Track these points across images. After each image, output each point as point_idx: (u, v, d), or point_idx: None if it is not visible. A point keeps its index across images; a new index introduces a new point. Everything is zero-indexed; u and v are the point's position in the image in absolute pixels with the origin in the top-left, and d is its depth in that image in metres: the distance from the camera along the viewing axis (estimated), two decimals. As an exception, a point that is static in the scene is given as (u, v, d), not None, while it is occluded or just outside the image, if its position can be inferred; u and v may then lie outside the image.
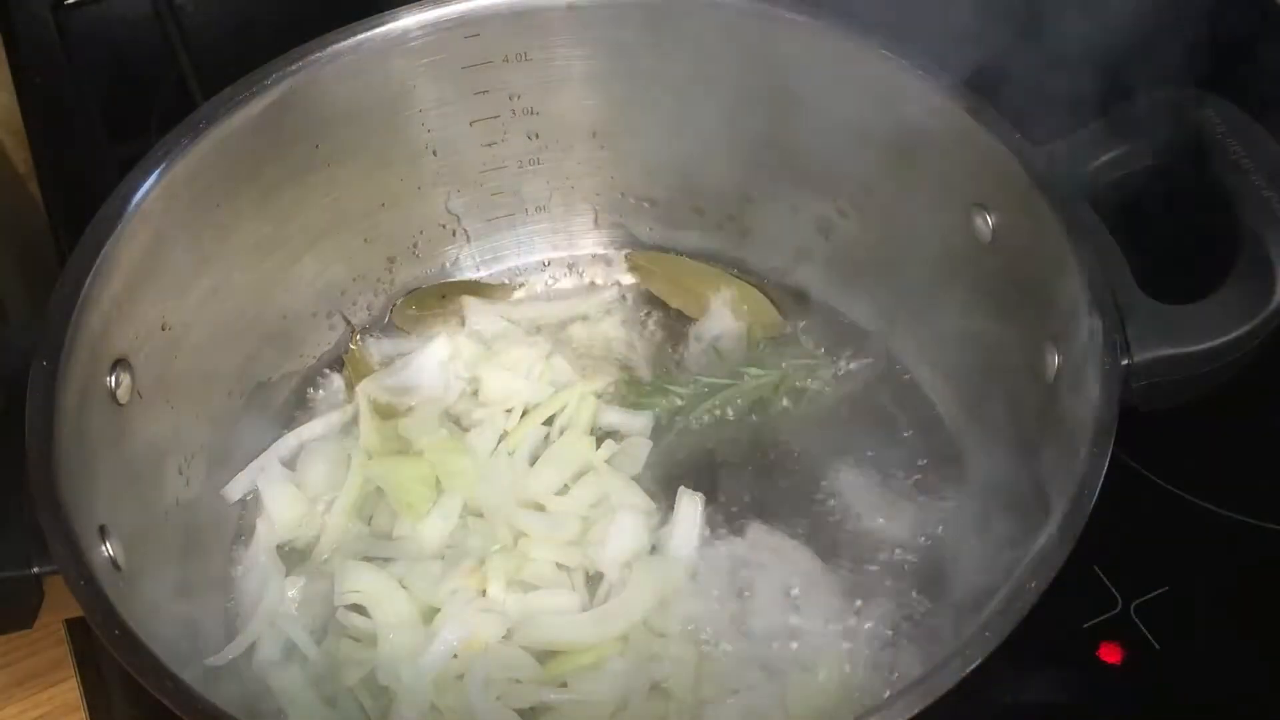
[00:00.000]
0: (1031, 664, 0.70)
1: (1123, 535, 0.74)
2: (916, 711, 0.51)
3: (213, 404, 0.77)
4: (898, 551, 0.75)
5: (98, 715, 0.73)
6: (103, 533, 0.61)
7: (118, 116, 0.99)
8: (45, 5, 1.05)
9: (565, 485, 0.78)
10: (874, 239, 0.80)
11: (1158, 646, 0.71)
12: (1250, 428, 0.79)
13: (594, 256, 0.92)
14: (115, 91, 1.01)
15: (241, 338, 0.79)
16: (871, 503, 0.77)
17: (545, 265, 0.92)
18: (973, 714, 0.68)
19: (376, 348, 0.87)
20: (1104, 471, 0.57)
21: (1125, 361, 0.61)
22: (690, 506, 0.75)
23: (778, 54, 0.76)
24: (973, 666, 0.52)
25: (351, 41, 0.76)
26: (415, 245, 0.88)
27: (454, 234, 0.89)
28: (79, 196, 0.91)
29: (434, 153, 0.83)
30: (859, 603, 0.72)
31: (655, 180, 0.87)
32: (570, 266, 0.92)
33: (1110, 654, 0.71)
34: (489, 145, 0.84)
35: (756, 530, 0.76)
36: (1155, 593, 0.73)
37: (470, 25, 0.78)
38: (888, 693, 0.68)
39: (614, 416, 0.82)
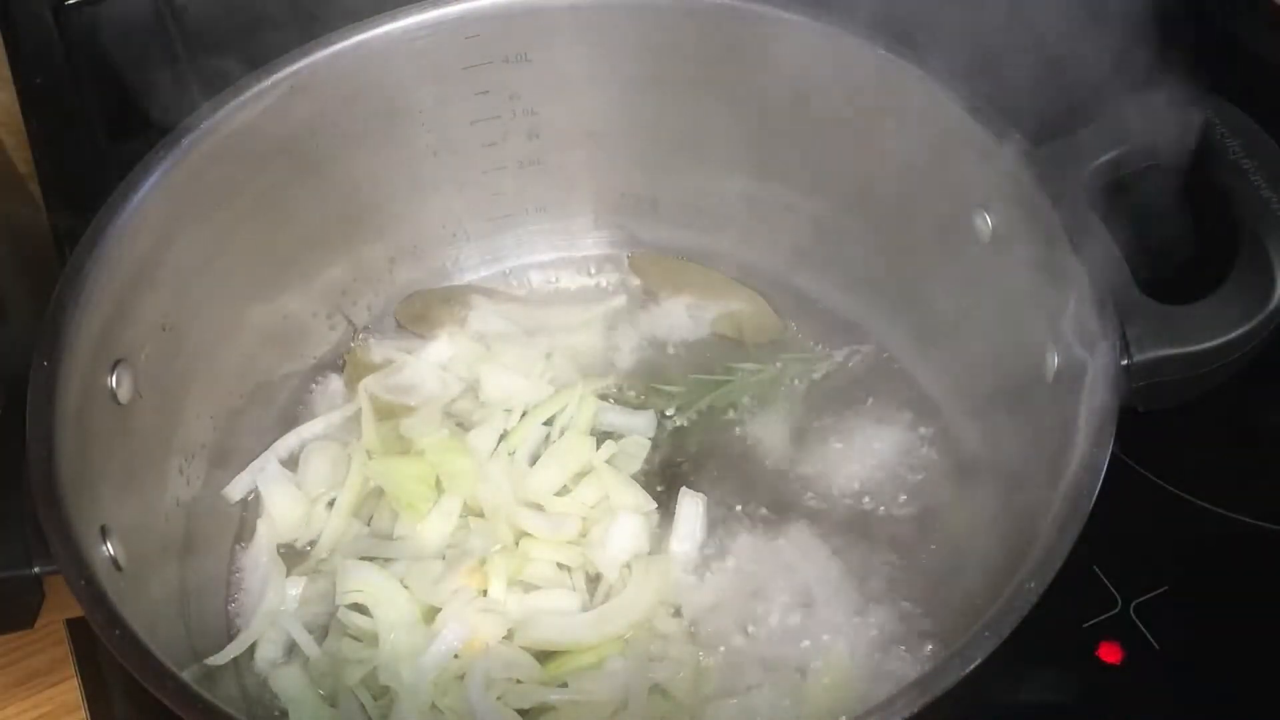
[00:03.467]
0: (1031, 664, 0.70)
1: (1123, 535, 0.75)
2: (916, 710, 0.51)
3: (213, 404, 0.77)
4: (899, 549, 0.75)
5: (98, 715, 0.72)
6: (104, 532, 0.61)
7: (118, 116, 0.99)
8: (45, 5, 1.05)
9: (565, 485, 0.78)
10: (873, 239, 0.80)
11: (1158, 646, 0.71)
12: (1250, 428, 0.79)
13: (594, 257, 0.91)
14: (115, 91, 1.01)
15: (242, 338, 0.79)
16: (870, 501, 0.77)
17: (545, 265, 0.91)
18: (973, 714, 0.68)
19: (377, 347, 0.87)
20: (1103, 471, 0.57)
21: (1125, 362, 0.61)
22: (691, 506, 0.75)
23: (777, 54, 0.76)
24: (973, 666, 0.52)
25: (352, 42, 0.76)
26: (415, 245, 0.88)
27: (454, 234, 0.89)
28: (79, 196, 0.91)
29: (434, 153, 0.83)
30: (862, 601, 0.72)
31: (655, 180, 0.87)
32: (570, 267, 0.92)
33: (1110, 654, 0.71)
34: (489, 145, 0.84)
35: (757, 528, 0.76)
36: (1155, 593, 0.73)
37: (470, 25, 0.78)
38: (889, 692, 0.68)
39: (614, 416, 0.82)
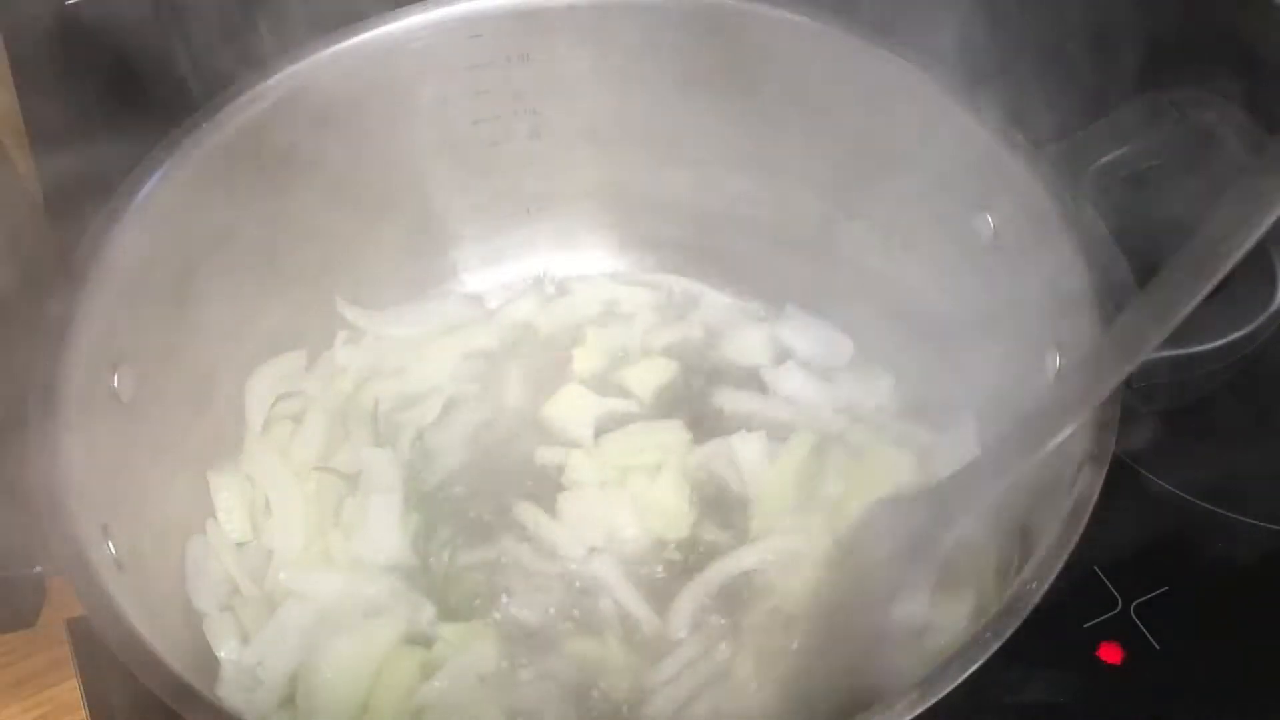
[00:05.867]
0: (1031, 664, 0.70)
1: (1123, 535, 0.75)
2: (918, 712, 0.51)
3: (216, 402, 0.77)
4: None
5: (98, 715, 0.72)
6: (106, 531, 0.61)
7: (118, 116, 0.99)
8: (45, 5, 1.05)
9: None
10: (875, 239, 0.80)
11: (1158, 646, 0.71)
12: (1250, 428, 0.79)
13: (596, 255, 0.91)
14: (115, 91, 1.01)
15: (244, 336, 0.79)
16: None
17: (547, 264, 0.91)
18: (973, 714, 0.69)
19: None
20: (1104, 473, 0.57)
21: None
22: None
23: (779, 54, 0.76)
24: (974, 668, 0.52)
25: (354, 41, 0.76)
26: (417, 245, 0.88)
27: (455, 234, 0.89)
28: (79, 197, 0.91)
29: (436, 153, 0.83)
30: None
31: (656, 179, 0.87)
32: (573, 265, 0.91)
33: (1110, 654, 0.71)
34: (492, 145, 0.84)
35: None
36: (1155, 593, 0.73)
37: (473, 25, 0.78)
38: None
39: None
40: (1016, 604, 0.53)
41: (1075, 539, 0.55)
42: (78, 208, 0.73)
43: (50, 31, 1.03)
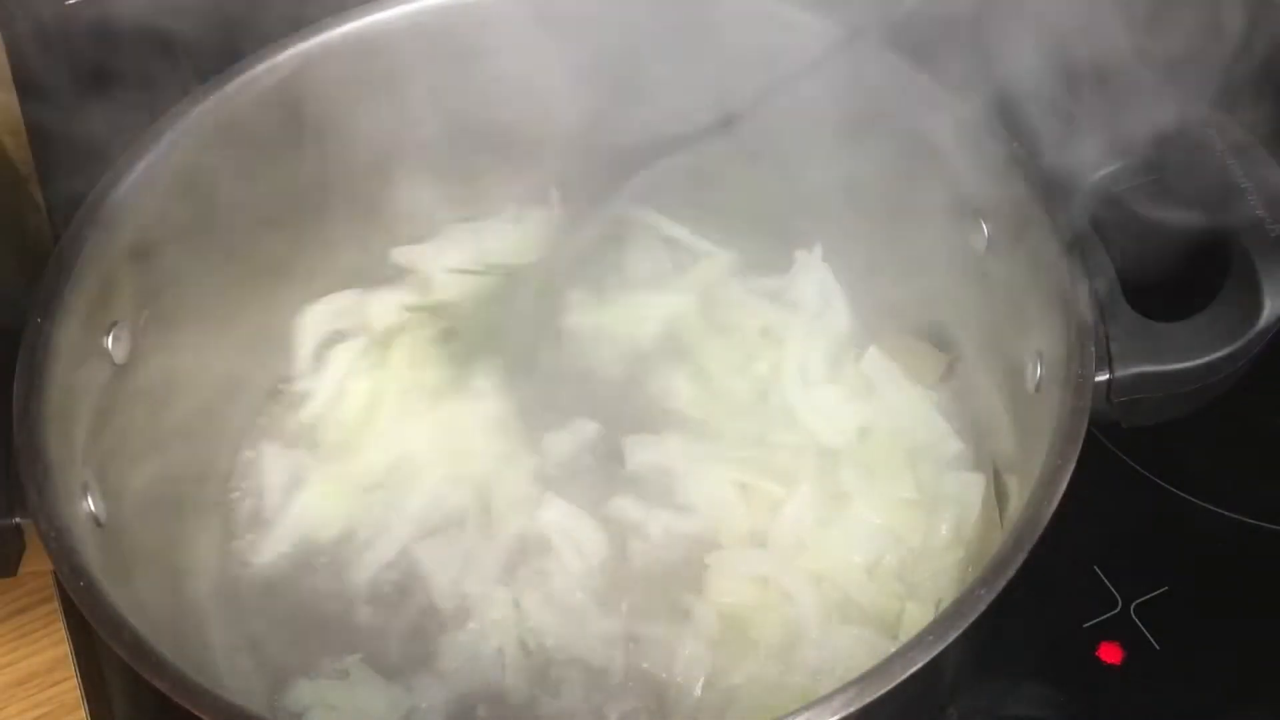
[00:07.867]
0: (1031, 664, 0.71)
1: (1123, 535, 0.75)
2: (851, 710, 0.50)
3: (214, 368, 0.77)
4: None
5: (98, 715, 0.72)
6: (85, 488, 0.61)
7: (118, 116, 0.99)
8: (45, 5, 1.05)
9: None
10: (874, 239, 0.80)
11: (1158, 646, 0.71)
12: (1250, 428, 0.79)
13: (606, 240, 0.88)
14: (115, 91, 1.01)
15: (247, 306, 0.79)
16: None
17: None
18: (972, 713, 0.69)
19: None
20: (1064, 484, 0.55)
21: (1106, 376, 0.60)
22: None
23: (784, 52, 0.76)
24: (915, 669, 0.51)
25: (359, 24, 0.76)
26: (423, 228, 0.87)
27: (463, 217, 0.88)
28: (79, 198, 0.91)
29: (445, 136, 0.83)
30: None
31: (662, 168, 0.84)
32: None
33: (1110, 654, 0.71)
34: (502, 128, 0.84)
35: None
36: (1155, 593, 0.73)
37: (479, 9, 0.78)
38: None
39: None
40: (963, 609, 0.52)
41: (1030, 548, 0.54)
42: (78, 209, 0.73)
43: (50, 31, 1.03)
